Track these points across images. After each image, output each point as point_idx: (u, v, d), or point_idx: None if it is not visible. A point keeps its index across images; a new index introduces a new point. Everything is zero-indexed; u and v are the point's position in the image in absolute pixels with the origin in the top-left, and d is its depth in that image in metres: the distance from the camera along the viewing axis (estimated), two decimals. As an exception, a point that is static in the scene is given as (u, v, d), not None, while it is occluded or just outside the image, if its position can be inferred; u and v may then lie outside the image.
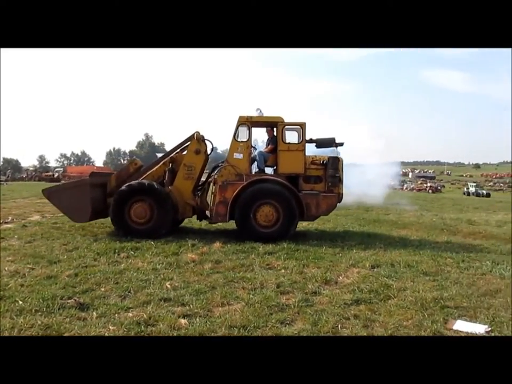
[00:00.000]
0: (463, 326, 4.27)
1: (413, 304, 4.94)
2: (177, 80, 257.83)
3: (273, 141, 9.66)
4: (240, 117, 9.34)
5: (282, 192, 8.99)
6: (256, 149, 10.02)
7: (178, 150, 9.97)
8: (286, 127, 9.39)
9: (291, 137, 9.58)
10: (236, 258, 7.15)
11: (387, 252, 7.85)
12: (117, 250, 7.42)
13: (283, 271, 6.42)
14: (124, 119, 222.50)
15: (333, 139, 9.71)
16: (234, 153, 9.31)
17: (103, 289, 5.30)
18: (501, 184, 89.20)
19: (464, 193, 56.74)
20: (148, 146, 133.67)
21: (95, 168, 60.70)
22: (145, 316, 4.37)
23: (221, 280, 5.82)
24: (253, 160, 9.62)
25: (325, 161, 9.41)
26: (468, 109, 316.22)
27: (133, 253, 7.36)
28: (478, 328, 4.21)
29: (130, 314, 4.46)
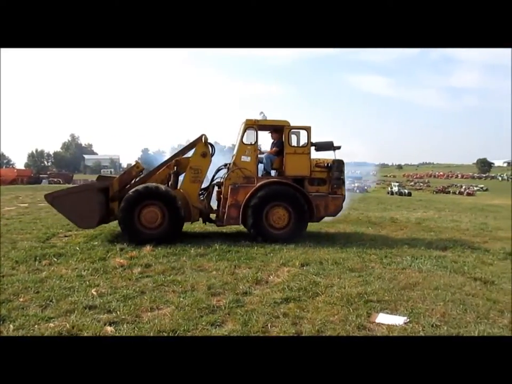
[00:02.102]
0: (385, 319, 4.51)
1: (339, 300, 5.13)
2: (108, 79, 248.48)
3: (278, 144, 9.80)
4: (247, 120, 9.42)
5: (294, 195, 9.16)
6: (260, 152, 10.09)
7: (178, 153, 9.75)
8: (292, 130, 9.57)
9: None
10: (167, 261, 7.01)
11: (316, 250, 8.08)
12: (38, 258, 6.98)
13: (214, 272, 6.40)
14: (46, 119, 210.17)
15: (331, 143, 9.90)
16: (242, 156, 9.38)
17: (21, 299, 4.96)
18: (421, 184, 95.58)
19: (388, 193, 60.10)
20: (74, 147, 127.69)
21: (15, 171, 56.46)
22: (68, 325, 4.15)
23: (150, 284, 5.69)
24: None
25: (329, 164, 9.67)
26: (391, 113, 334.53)
27: (56, 259, 6.97)
28: (398, 320, 4.46)
29: (51, 324, 4.22)
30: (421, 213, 18.94)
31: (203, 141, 9.44)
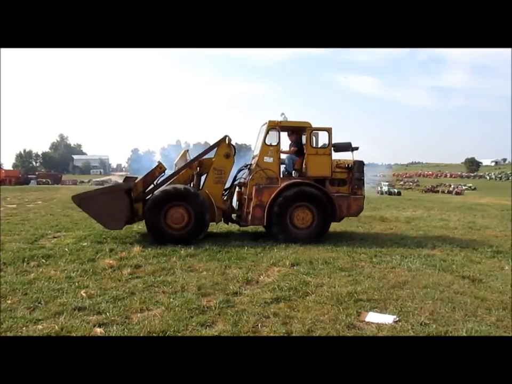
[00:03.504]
0: (374, 318, 4.53)
1: (329, 299, 5.15)
2: (97, 79, 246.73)
3: (297, 144, 9.98)
4: (270, 121, 9.52)
5: (318, 195, 9.29)
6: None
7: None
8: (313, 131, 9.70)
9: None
10: (157, 262, 6.99)
11: (306, 250, 8.11)
12: (26, 259, 6.90)
13: (205, 273, 6.38)
14: (35, 119, 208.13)
15: (350, 144, 10.02)
16: (265, 157, 9.47)
17: (9, 301, 4.90)
18: (410, 183, 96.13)
19: (378, 192, 60.22)
20: (63, 147, 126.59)
21: (3, 171, 55.67)
22: (56, 327, 4.11)
23: (140, 285, 5.65)
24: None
25: (349, 165, 9.78)
26: (380, 112, 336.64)
27: (44, 261, 6.89)
28: (387, 319, 4.48)
29: (40, 326, 4.17)
30: (410, 212, 19.07)
31: (226, 141, 9.50)
